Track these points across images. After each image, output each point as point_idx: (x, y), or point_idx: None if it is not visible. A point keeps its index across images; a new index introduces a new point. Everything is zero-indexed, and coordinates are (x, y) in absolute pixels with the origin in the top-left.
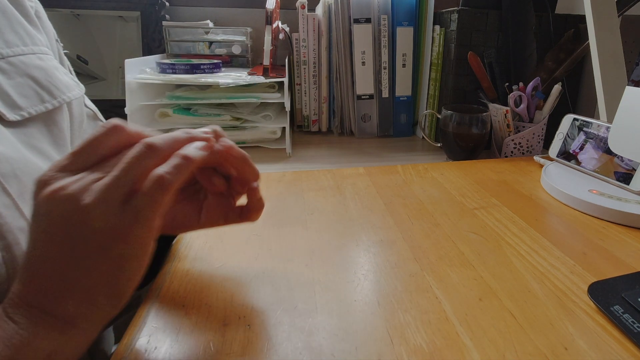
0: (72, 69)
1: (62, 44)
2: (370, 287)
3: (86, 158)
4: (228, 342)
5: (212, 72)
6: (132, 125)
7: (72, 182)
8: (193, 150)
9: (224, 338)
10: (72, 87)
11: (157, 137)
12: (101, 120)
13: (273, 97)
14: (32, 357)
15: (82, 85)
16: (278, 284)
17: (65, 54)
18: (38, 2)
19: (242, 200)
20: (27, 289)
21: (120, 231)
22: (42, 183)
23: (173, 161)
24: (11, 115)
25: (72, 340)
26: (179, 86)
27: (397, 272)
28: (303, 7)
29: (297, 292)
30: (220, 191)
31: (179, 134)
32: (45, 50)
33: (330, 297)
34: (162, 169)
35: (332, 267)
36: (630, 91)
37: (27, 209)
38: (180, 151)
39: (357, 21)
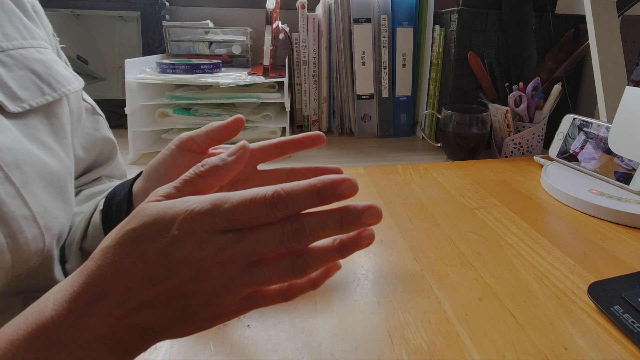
0: (68, 63)
1: (58, 39)
2: (370, 287)
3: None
4: (228, 342)
5: (212, 72)
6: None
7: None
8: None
9: (224, 338)
10: (71, 80)
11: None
12: (100, 115)
13: (273, 97)
14: None
15: (81, 79)
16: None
17: (62, 48)
18: None
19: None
20: (93, 312)
21: (229, 303)
22: (189, 227)
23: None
24: (12, 107)
25: None
26: (179, 86)
27: (397, 272)
28: (303, 7)
29: None
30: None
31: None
32: (44, 45)
33: (330, 297)
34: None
35: None
36: (630, 91)
37: (31, 199)
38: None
39: (357, 21)
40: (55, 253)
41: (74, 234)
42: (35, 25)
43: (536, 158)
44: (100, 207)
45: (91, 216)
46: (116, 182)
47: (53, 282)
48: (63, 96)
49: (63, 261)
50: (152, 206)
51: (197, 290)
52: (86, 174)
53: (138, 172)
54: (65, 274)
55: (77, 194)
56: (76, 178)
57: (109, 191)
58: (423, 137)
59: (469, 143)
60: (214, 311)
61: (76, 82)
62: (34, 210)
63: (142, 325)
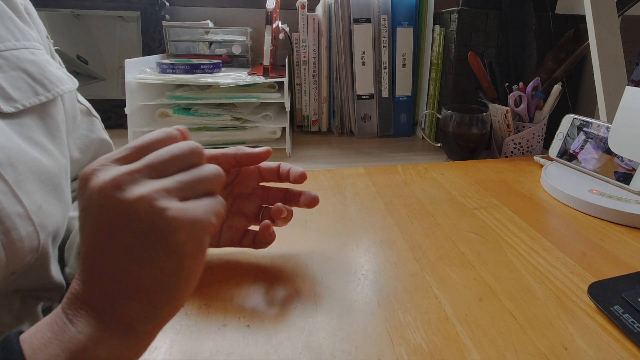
0: (62, 64)
1: (52, 41)
2: (370, 287)
3: (140, 156)
4: (228, 342)
5: (212, 72)
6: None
7: (127, 175)
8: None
9: (224, 338)
10: (65, 80)
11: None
12: (95, 117)
13: (273, 97)
14: None
15: (75, 80)
16: (278, 284)
17: (57, 50)
18: None
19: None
20: (87, 288)
21: (177, 225)
22: (90, 173)
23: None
24: (5, 107)
25: (129, 346)
26: (179, 86)
27: (397, 272)
28: (303, 7)
29: (297, 292)
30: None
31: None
32: (37, 46)
33: (330, 297)
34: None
35: (332, 267)
36: (630, 91)
37: (25, 196)
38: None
39: (357, 21)
40: (52, 251)
41: (74, 238)
42: (28, 27)
43: (536, 158)
44: None
45: None
46: None
47: (50, 280)
48: (57, 96)
49: (62, 264)
50: None
51: (143, 209)
52: None
53: None
54: (65, 277)
55: (76, 197)
56: (73, 180)
57: None
58: (423, 137)
59: (469, 143)
60: (174, 220)
61: (70, 83)
62: (28, 208)
63: (133, 275)
